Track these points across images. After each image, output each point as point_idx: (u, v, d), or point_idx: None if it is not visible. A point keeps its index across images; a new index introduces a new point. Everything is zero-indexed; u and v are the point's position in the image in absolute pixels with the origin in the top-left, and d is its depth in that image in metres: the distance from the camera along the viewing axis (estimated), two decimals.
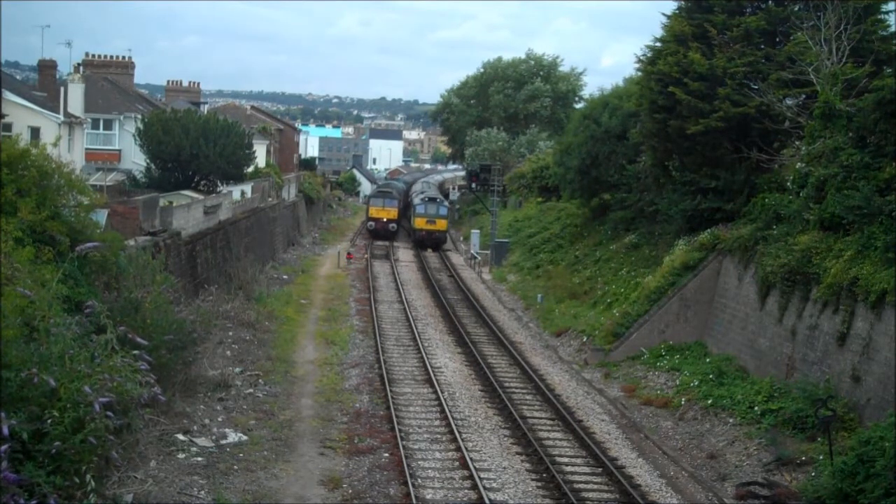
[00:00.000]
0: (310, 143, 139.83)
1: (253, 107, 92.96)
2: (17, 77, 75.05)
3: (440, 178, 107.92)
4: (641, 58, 37.26)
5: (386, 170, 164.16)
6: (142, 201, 31.00)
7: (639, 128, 38.92)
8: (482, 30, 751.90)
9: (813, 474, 19.35)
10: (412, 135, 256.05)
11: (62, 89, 45.65)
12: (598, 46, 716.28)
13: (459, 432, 21.89)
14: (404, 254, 59.86)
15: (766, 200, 29.19)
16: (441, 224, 63.72)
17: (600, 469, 20.29)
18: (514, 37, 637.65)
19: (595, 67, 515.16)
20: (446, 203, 68.28)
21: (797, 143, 30.80)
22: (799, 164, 28.20)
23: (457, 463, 20.01)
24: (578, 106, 79.68)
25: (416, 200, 66.75)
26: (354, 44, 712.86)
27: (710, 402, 24.60)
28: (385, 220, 66.51)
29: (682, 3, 35.36)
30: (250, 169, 54.28)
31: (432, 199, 65.71)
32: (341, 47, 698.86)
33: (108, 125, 53.31)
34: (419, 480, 18.76)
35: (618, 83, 51.66)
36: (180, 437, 19.49)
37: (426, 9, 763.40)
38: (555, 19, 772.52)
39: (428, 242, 62.96)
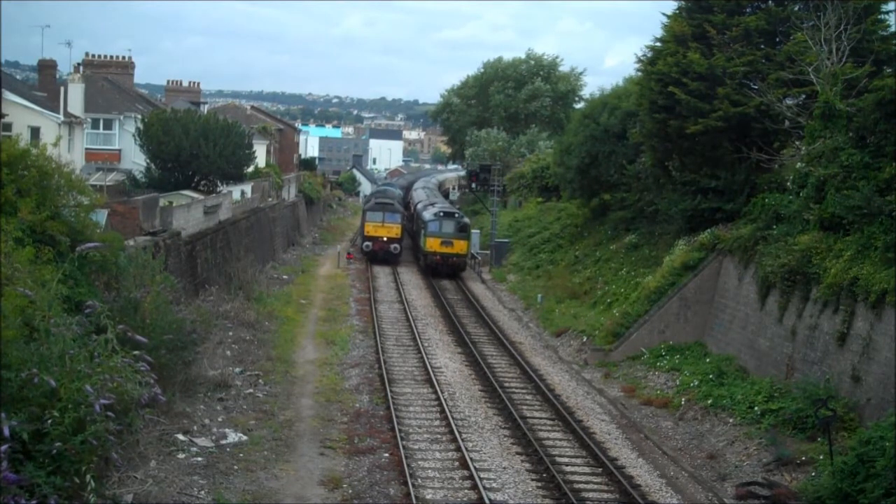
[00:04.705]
0: (310, 143, 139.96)
1: (253, 107, 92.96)
2: (17, 77, 74.97)
3: (440, 179, 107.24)
4: (641, 58, 37.32)
5: (386, 170, 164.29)
6: (142, 201, 31.02)
7: (639, 128, 38.94)
8: (486, 30, 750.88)
9: (813, 474, 19.36)
10: (412, 135, 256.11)
11: (62, 89, 45.65)
12: (603, 46, 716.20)
13: (459, 432, 21.90)
14: (405, 256, 58.89)
15: (766, 200, 29.21)
16: (460, 246, 49.38)
17: (600, 469, 20.30)
18: (518, 37, 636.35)
19: (599, 67, 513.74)
20: (466, 218, 53.41)
21: (797, 143, 30.81)
22: (799, 164, 28.21)
23: (457, 463, 20.02)
24: (578, 106, 79.69)
25: (428, 215, 51.21)
26: (358, 44, 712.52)
27: (710, 402, 24.61)
28: (385, 239, 52.75)
29: (682, 3, 35.38)
30: (250, 169, 54.28)
31: (448, 215, 50.93)
32: (345, 47, 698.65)
33: (108, 125, 53.33)
34: (419, 480, 18.77)
35: (618, 83, 51.73)
36: (180, 437, 19.50)
37: (430, 9, 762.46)
38: (560, 19, 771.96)
39: (443, 269, 49.13)
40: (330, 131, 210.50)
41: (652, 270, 34.07)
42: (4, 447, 11.03)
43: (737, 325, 28.15)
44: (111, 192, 38.26)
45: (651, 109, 34.88)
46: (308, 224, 71.91)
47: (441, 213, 50.77)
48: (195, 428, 20.43)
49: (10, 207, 17.97)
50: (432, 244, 49.09)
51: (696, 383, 26.08)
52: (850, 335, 21.94)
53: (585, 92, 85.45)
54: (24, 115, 41.16)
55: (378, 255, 52.60)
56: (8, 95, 40.49)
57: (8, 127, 37.42)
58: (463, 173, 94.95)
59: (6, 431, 11.17)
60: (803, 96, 30.86)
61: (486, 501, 17.67)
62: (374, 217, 53.30)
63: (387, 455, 20.21)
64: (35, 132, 40.34)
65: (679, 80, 32.48)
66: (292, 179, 70.73)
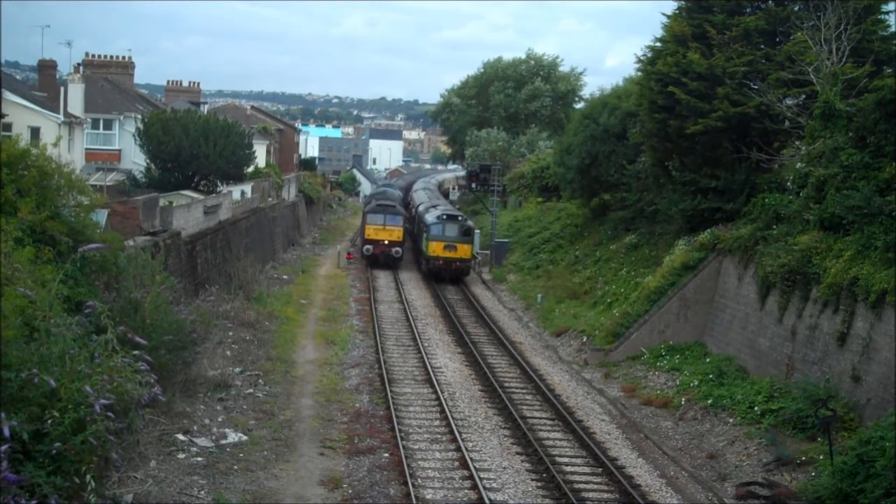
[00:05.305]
0: (310, 143, 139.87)
1: (253, 107, 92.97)
2: (17, 77, 75.06)
3: (440, 179, 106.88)
4: (641, 58, 37.33)
5: (386, 170, 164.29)
6: (142, 201, 31.02)
7: (639, 128, 38.95)
8: (487, 30, 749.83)
9: (813, 474, 19.37)
10: (412, 135, 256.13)
11: (62, 89, 45.66)
12: (603, 46, 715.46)
13: (459, 432, 21.90)
14: (405, 257, 58.68)
15: (766, 200, 29.21)
16: (464, 250, 47.52)
17: (600, 469, 20.30)
18: (519, 37, 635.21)
19: (599, 67, 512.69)
20: (470, 221, 51.83)
21: (797, 143, 30.81)
22: (799, 164, 28.22)
23: (457, 463, 20.02)
24: (578, 106, 79.71)
25: (430, 218, 49.43)
26: (358, 44, 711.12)
27: (710, 402, 24.61)
28: (386, 242, 50.70)
29: (682, 3, 35.39)
30: (250, 169, 54.27)
31: (452, 217, 49.06)
32: (345, 47, 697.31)
33: (108, 125, 53.33)
34: (419, 480, 18.77)
35: (618, 83, 51.75)
36: (180, 437, 19.50)
37: (431, 9, 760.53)
38: (561, 19, 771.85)
39: (445, 274, 47.40)
40: (330, 131, 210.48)
41: (652, 270, 34.07)
42: (4, 447, 11.04)
43: (737, 325, 28.14)
44: (111, 192, 38.30)
45: (651, 109, 34.88)
46: (308, 224, 71.92)
47: (444, 216, 48.89)
48: (195, 428, 20.43)
49: (10, 207, 17.97)
50: (435, 248, 47.20)
51: (696, 383, 26.08)
52: (850, 335, 21.94)
53: (585, 92, 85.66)
54: (24, 115, 41.17)
55: (379, 259, 50.63)
56: (8, 95, 40.50)
57: (8, 127, 37.44)
58: (462, 173, 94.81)
59: (6, 431, 11.17)
60: (803, 96, 30.86)
61: (486, 501, 17.67)
62: (375, 219, 51.04)
63: (387, 455, 20.21)
64: (35, 132, 40.34)
65: (679, 80, 32.49)
66: (292, 179, 70.73)
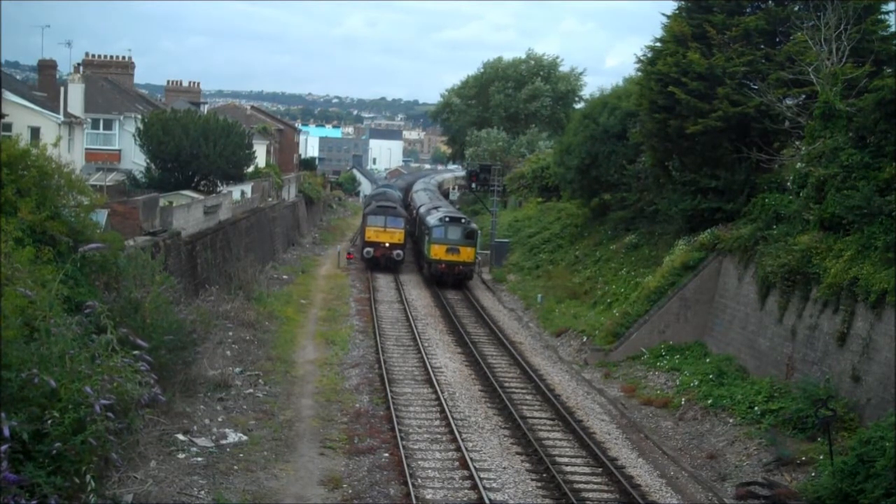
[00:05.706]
0: (310, 143, 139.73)
1: (253, 107, 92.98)
2: (17, 77, 75.00)
3: (439, 179, 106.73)
4: (641, 58, 37.33)
5: (386, 170, 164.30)
6: (142, 201, 31.03)
7: (639, 128, 38.96)
8: (488, 30, 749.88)
9: (813, 474, 19.37)
10: (412, 135, 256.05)
11: (62, 89, 45.66)
12: (604, 47, 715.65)
13: (459, 432, 21.90)
14: (406, 258, 58.37)
15: (766, 200, 29.22)
16: (467, 254, 46.13)
17: (600, 469, 20.31)
18: (520, 37, 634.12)
19: (600, 67, 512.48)
20: (473, 223, 49.83)
21: (797, 143, 30.81)
22: (799, 164, 28.21)
23: (457, 463, 20.02)
24: (578, 106, 79.70)
25: (432, 220, 47.94)
26: (358, 44, 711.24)
27: (710, 402, 24.62)
28: (387, 244, 49.48)
29: (682, 3, 35.39)
30: (250, 169, 54.29)
31: (454, 220, 47.61)
32: (345, 47, 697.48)
33: (108, 125, 53.34)
34: (419, 480, 18.78)
35: (619, 83, 51.75)
36: (180, 437, 19.50)
37: (431, 9, 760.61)
38: (562, 20, 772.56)
39: (448, 278, 45.94)
40: (330, 131, 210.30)
41: (652, 270, 34.08)
42: (4, 447, 11.04)
43: (737, 325, 28.15)
44: (111, 192, 38.30)
45: (651, 109, 34.88)
46: (308, 224, 71.91)
47: (447, 219, 47.36)
48: (195, 428, 20.44)
49: (10, 207, 17.97)
50: (437, 251, 45.75)
51: (696, 383, 26.09)
52: (850, 335, 21.94)
53: (585, 92, 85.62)
54: (24, 115, 41.16)
55: (380, 261, 49.42)
56: (8, 95, 40.48)
57: (8, 127, 37.43)
58: (462, 174, 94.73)
59: (6, 431, 11.17)
60: (803, 96, 30.85)
61: (486, 501, 17.68)
62: (376, 221, 49.70)
63: (387, 455, 20.22)
64: (35, 132, 40.33)
65: (679, 80, 32.49)
66: (292, 179, 70.73)
